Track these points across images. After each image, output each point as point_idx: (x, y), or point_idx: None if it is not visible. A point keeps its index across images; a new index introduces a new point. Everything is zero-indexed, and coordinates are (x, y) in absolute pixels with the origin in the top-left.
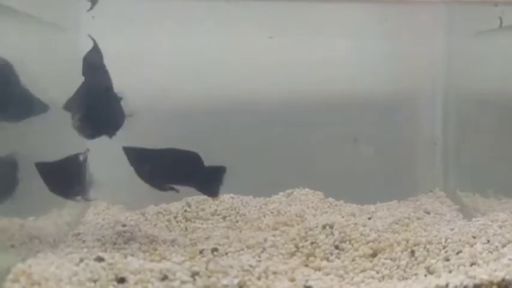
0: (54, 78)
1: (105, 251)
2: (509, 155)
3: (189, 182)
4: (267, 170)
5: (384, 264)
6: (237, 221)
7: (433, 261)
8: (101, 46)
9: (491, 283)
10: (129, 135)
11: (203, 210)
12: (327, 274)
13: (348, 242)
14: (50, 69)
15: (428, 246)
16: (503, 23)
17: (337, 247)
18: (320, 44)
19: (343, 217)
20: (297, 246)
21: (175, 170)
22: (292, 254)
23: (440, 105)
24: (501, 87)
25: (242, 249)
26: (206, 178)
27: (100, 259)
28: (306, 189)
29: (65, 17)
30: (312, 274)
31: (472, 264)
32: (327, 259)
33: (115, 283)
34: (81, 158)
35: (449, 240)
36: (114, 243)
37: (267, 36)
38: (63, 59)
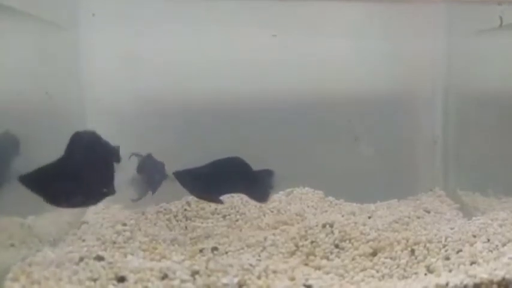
0: (53, 77)
1: (105, 250)
2: (509, 154)
3: (240, 188)
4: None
5: (384, 263)
6: (237, 220)
7: (433, 260)
8: (100, 45)
9: (491, 282)
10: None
11: (203, 209)
12: (327, 273)
13: (348, 241)
14: (48, 68)
15: (428, 245)
16: (504, 22)
17: (337, 246)
18: (320, 44)
19: (343, 216)
20: (297, 245)
21: (226, 180)
22: (292, 253)
23: (440, 104)
24: (501, 87)
25: (242, 248)
26: (255, 183)
27: (100, 258)
28: (306, 188)
29: (64, 16)
30: (312, 273)
31: (472, 263)
32: (327, 258)
33: (115, 282)
34: None
35: (449, 239)
36: (114, 242)
37: (269, 34)
38: (62, 58)
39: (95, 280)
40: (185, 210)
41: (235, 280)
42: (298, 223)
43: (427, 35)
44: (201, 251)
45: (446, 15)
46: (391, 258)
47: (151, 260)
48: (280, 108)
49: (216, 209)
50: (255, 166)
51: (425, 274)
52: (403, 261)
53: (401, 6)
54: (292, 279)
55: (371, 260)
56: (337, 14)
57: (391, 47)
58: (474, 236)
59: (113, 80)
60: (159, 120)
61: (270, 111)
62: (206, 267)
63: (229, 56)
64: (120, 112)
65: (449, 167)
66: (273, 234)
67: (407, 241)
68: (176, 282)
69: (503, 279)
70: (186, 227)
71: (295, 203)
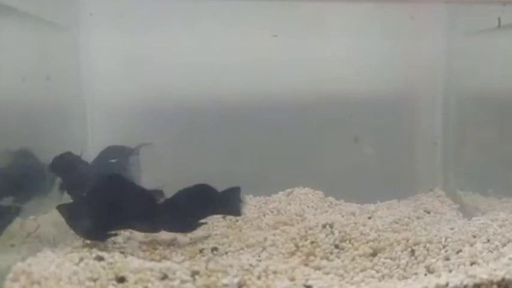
0: (53, 77)
1: (105, 250)
2: (509, 154)
3: (212, 211)
4: (267, 169)
5: (384, 263)
6: (237, 220)
7: (433, 260)
8: (100, 45)
9: (491, 282)
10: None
11: None
12: (327, 273)
13: (348, 241)
14: (48, 68)
15: (428, 245)
16: (502, 22)
17: (337, 246)
18: (320, 44)
19: (343, 216)
20: (297, 246)
21: (195, 207)
22: (292, 253)
23: (440, 104)
24: (501, 86)
25: (242, 249)
26: (225, 202)
27: (100, 258)
28: (306, 189)
29: (65, 16)
30: (312, 273)
31: (472, 263)
32: (327, 258)
33: (115, 282)
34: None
35: (449, 239)
36: (114, 243)
37: (269, 34)
38: (62, 58)
39: (94, 280)
40: None
41: (235, 280)
42: (298, 223)
43: (428, 35)
44: (201, 251)
45: (447, 15)
46: (391, 258)
47: (151, 260)
48: (280, 108)
49: None
50: (255, 165)
51: (425, 274)
52: (403, 261)
53: (402, 6)
54: (292, 279)
55: (371, 261)
56: (337, 14)
57: (391, 47)
58: (474, 237)
59: (113, 80)
60: (159, 120)
61: (270, 111)
62: (206, 268)
63: (229, 56)
64: (120, 112)
65: (449, 167)
66: (273, 235)
67: (408, 241)
68: (176, 283)
69: (503, 279)
70: None
71: (295, 203)
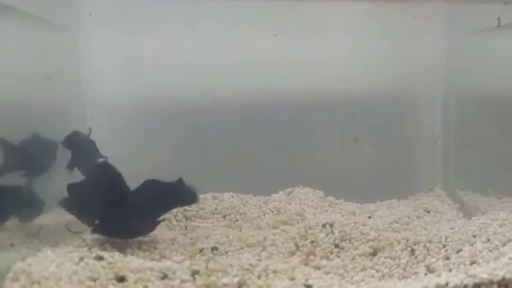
0: (53, 77)
1: (105, 249)
2: (509, 154)
3: (170, 205)
4: (267, 169)
5: (384, 263)
6: (237, 220)
7: (433, 260)
8: (100, 45)
9: (492, 282)
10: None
11: (203, 209)
12: (327, 273)
13: (348, 241)
14: (48, 68)
15: (428, 245)
16: (502, 22)
17: (337, 246)
18: (321, 44)
19: (343, 216)
20: (297, 245)
21: (151, 206)
22: (292, 253)
23: (441, 104)
24: (501, 86)
25: (242, 248)
26: (178, 193)
27: (100, 258)
28: (306, 188)
29: (65, 16)
30: (312, 273)
31: (472, 263)
32: (327, 258)
33: (115, 282)
34: None
35: (449, 239)
36: (114, 242)
37: (269, 34)
38: (62, 57)
39: (94, 280)
40: (185, 210)
41: (235, 280)
42: (298, 223)
43: (428, 35)
44: (201, 250)
45: (447, 15)
46: (391, 258)
47: (151, 259)
48: (280, 108)
49: (216, 208)
50: (255, 165)
51: (425, 274)
52: (403, 261)
53: (402, 6)
54: (292, 279)
55: (371, 260)
56: (338, 13)
57: (391, 46)
58: (474, 236)
59: (113, 80)
60: (159, 120)
61: (270, 111)
62: (206, 267)
63: (229, 56)
64: (120, 112)
65: (449, 167)
66: (273, 234)
67: (407, 241)
68: (176, 282)
69: (503, 279)
70: (186, 227)
71: (295, 202)
